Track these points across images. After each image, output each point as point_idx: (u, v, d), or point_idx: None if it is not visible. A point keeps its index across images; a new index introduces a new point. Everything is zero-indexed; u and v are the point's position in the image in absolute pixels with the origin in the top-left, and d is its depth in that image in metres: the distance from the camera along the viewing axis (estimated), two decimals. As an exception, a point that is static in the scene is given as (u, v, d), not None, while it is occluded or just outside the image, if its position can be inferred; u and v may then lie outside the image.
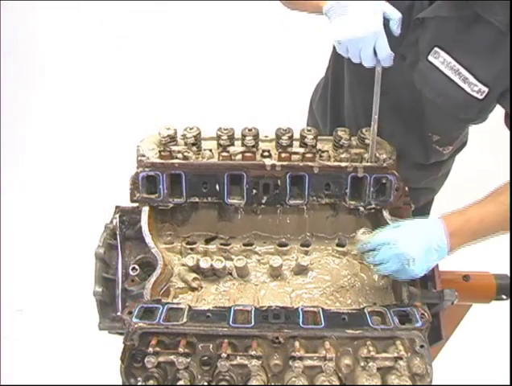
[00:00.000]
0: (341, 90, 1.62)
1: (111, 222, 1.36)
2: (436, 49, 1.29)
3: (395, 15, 1.17)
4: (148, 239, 1.29)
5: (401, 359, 1.10)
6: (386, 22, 1.18)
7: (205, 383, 1.15)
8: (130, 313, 1.17)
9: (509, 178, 1.28)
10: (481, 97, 1.28)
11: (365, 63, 1.20)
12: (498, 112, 1.39)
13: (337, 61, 1.59)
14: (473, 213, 1.24)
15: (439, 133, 1.46)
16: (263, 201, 1.33)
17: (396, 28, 1.18)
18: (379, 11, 1.16)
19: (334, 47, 1.64)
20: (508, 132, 1.36)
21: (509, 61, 1.22)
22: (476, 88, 1.27)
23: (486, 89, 1.26)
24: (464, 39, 1.26)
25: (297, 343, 1.12)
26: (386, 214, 1.32)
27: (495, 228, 1.26)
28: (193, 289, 1.33)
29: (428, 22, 1.28)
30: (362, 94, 1.51)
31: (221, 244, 1.38)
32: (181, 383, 1.12)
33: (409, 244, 1.16)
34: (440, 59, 1.28)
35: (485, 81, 1.26)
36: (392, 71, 1.40)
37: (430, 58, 1.30)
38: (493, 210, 1.25)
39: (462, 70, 1.27)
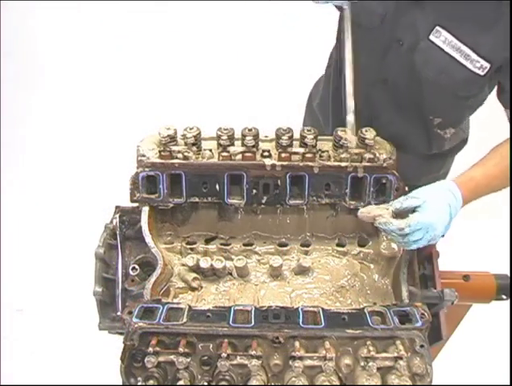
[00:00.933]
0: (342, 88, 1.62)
1: (111, 222, 1.36)
2: (438, 28, 1.30)
3: None
4: (148, 239, 1.29)
5: (401, 358, 1.10)
6: None
7: (205, 383, 1.14)
8: (130, 313, 1.17)
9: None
10: (482, 73, 1.30)
11: None
12: (499, 111, 1.40)
13: (338, 59, 1.60)
14: (481, 179, 1.28)
15: (441, 114, 1.47)
16: (263, 201, 1.33)
17: None
18: None
19: (335, 45, 1.65)
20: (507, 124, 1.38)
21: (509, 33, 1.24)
22: (478, 65, 1.29)
23: (488, 65, 1.29)
24: (464, 16, 1.28)
25: (297, 343, 1.12)
26: (386, 214, 1.32)
27: (498, 188, 1.33)
28: (193, 289, 1.33)
29: (427, 3, 1.30)
30: (364, 89, 1.51)
31: (221, 244, 1.38)
32: (181, 383, 1.12)
33: (439, 222, 1.18)
34: (442, 38, 1.31)
35: (488, 57, 1.28)
36: (389, 57, 1.42)
37: (431, 37, 1.32)
38: (497, 174, 1.31)
39: (464, 47, 1.29)
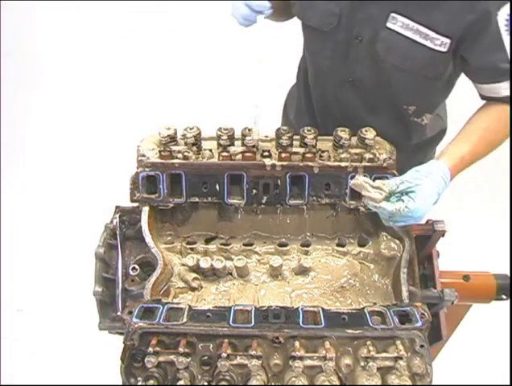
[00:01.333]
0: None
1: (111, 222, 1.36)
2: (393, 15, 1.32)
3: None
4: (148, 239, 1.29)
5: (401, 358, 1.10)
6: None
7: (205, 383, 1.15)
8: (130, 313, 1.17)
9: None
10: (445, 50, 1.32)
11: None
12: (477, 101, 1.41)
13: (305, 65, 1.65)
14: (468, 158, 1.30)
15: (414, 101, 1.48)
16: (263, 201, 1.33)
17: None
18: None
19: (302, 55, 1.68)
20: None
21: None
22: (439, 42, 1.31)
23: (448, 40, 1.30)
24: None
25: (297, 343, 1.12)
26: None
27: (481, 158, 1.36)
28: (193, 289, 1.33)
29: None
30: (333, 91, 1.55)
31: (221, 244, 1.38)
32: (181, 383, 1.12)
33: (427, 211, 1.19)
34: (399, 24, 1.32)
35: (446, 32, 1.30)
36: (352, 55, 1.44)
37: (389, 25, 1.34)
38: (481, 151, 1.34)
39: (421, 28, 1.31)
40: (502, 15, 1.26)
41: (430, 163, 1.26)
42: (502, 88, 1.34)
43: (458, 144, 1.33)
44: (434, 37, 1.30)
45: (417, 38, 1.32)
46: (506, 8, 1.25)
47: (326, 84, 1.56)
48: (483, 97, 1.41)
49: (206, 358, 1.14)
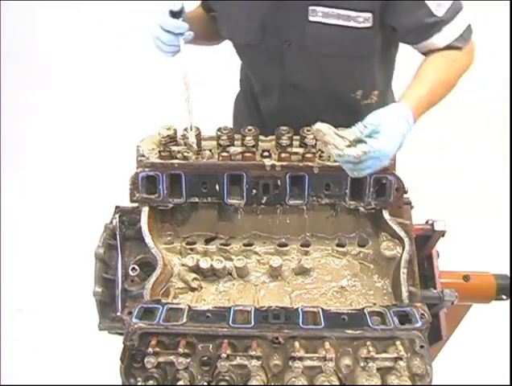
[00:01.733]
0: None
1: (111, 222, 1.36)
2: (311, 8, 1.35)
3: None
4: (148, 239, 1.28)
5: (401, 359, 1.10)
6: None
7: (205, 384, 1.14)
8: (130, 313, 1.17)
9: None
10: (370, 24, 1.34)
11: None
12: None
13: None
14: (425, 96, 1.27)
15: (359, 86, 1.50)
16: (263, 201, 1.33)
17: None
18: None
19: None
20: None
21: None
22: (362, 19, 1.33)
23: (369, 15, 1.33)
24: None
25: (297, 344, 1.12)
26: (385, 214, 1.32)
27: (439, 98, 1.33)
28: (193, 290, 1.33)
29: None
30: (278, 97, 1.57)
31: (221, 244, 1.38)
32: (181, 383, 1.12)
33: (393, 152, 1.15)
34: (319, 14, 1.35)
35: (365, 8, 1.32)
36: (286, 60, 1.46)
37: (311, 18, 1.36)
38: (438, 90, 1.32)
39: (341, 11, 1.33)
40: None
41: (391, 105, 1.22)
42: (438, 41, 1.35)
43: (414, 86, 1.30)
44: (355, 16, 1.33)
45: (340, 22, 1.34)
46: None
47: (271, 93, 1.58)
48: (426, 54, 1.40)
49: (206, 358, 1.14)
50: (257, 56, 1.54)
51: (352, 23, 1.34)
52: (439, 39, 1.34)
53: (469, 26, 1.37)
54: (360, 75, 1.49)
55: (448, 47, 1.35)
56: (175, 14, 1.35)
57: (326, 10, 1.34)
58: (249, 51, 1.55)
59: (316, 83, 1.49)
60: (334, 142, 1.12)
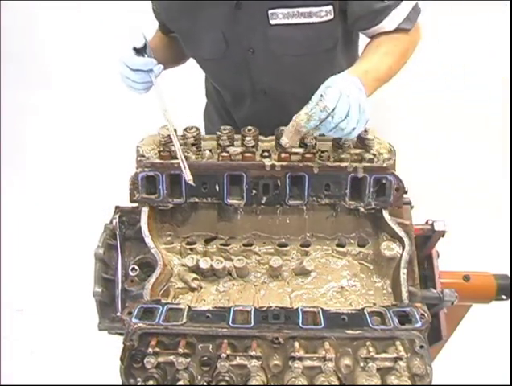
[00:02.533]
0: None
1: (111, 222, 1.36)
2: (270, 12, 1.34)
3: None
4: (148, 239, 1.28)
5: (401, 359, 1.10)
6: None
7: (205, 384, 1.14)
8: (130, 313, 1.17)
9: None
10: (332, 17, 1.35)
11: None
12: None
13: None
14: (369, 69, 1.27)
15: (327, 78, 1.50)
16: (263, 201, 1.33)
17: None
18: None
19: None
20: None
21: None
22: (324, 13, 1.33)
23: (330, 7, 1.33)
24: None
25: (297, 344, 1.12)
26: (385, 214, 1.32)
27: (386, 78, 1.34)
28: (193, 290, 1.33)
29: (243, 3, 1.35)
30: (250, 104, 1.57)
31: (221, 245, 1.38)
32: (181, 383, 1.12)
33: (352, 90, 1.14)
34: (280, 16, 1.34)
35: (324, 2, 1.32)
36: (253, 69, 1.46)
37: (272, 22, 1.35)
38: (383, 66, 1.32)
39: (301, 9, 1.33)
40: None
41: (342, 75, 1.22)
42: (387, 24, 1.36)
43: (359, 62, 1.33)
44: (317, 11, 1.33)
45: (302, 20, 1.34)
46: None
47: (242, 101, 1.59)
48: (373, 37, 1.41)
49: (206, 358, 1.14)
50: (223, 69, 1.54)
51: (314, 19, 1.34)
52: (388, 22, 1.35)
53: (415, 6, 1.37)
54: (327, 68, 1.47)
55: (396, 30, 1.36)
56: (139, 51, 1.34)
57: (286, 10, 1.33)
58: (215, 64, 1.55)
59: (285, 84, 1.48)
60: (296, 120, 1.14)
